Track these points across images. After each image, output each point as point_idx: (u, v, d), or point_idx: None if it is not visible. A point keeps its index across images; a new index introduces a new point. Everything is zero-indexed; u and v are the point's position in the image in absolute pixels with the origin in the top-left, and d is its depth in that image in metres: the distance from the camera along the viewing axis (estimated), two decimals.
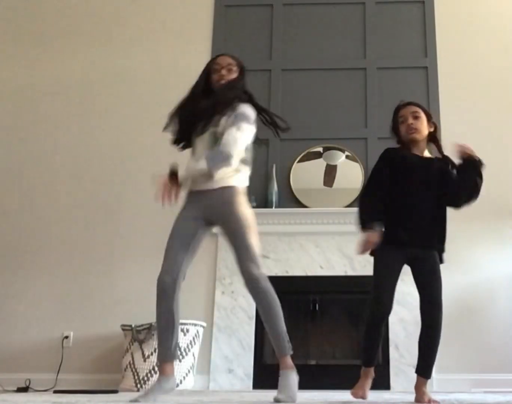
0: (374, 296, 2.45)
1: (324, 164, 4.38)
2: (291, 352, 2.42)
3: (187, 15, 4.79)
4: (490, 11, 4.68)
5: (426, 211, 2.50)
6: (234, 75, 2.63)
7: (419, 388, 2.45)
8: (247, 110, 2.57)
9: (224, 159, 2.46)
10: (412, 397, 2.48)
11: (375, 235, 2.43)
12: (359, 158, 4.33)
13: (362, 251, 2.46)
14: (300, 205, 4.28)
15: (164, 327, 2.48)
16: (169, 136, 2.74)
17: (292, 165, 4.37)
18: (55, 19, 4.85)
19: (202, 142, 2.58)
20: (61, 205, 4.41)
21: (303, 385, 3.83)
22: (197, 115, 2.58)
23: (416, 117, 2.56)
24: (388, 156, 2.59)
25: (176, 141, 2.70)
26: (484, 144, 4.33)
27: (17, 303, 4.23)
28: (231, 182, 2.54)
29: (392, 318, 3.68)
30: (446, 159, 2.60)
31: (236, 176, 2.56)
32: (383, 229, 2.47)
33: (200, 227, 2.56)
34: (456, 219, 3.99)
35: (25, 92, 4.69)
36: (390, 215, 2.50)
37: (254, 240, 2.47)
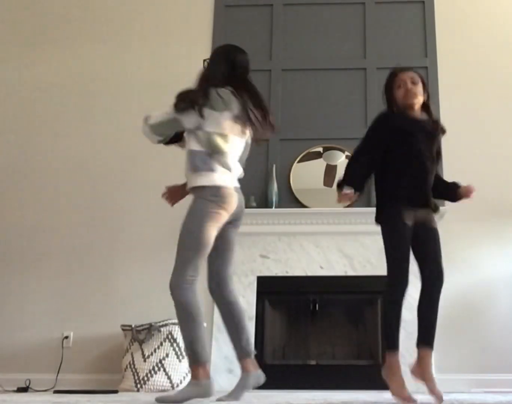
0: (390, 271, 2.45)
1: (324, 164, 4.38)
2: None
3: (187, 15, 4.79)
4: (490, 11, 4.68)
5: (429, 170, 2.55)
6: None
7: (424, 367, 2.44)
8: None
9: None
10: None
11: (351, 191, 2.46)
12: None
13: (340, 201, 2.49)
14: (300, 205, 4.28)
15: (234, 327, 2.49)
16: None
17: (292, 165, 4.37)
18: (55, 20, 4.84)
19: None
20: (61, 205, 4.41)
21: (303, 385, 3.86)
22: None
23: (414, 83, 2.60)
24: (386, 120, 2.60)
25: None
26: (484, 143, 4.35)
27: (17, 303, 4.23)
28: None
29: None
30: (437, 124, 2.66)
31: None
32: (392, 192, 2.52)
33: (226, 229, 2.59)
34: (456, 219, 4.05)
35: (24, 93, 4.69)
36: (394, 177, 2.53)
37: None
